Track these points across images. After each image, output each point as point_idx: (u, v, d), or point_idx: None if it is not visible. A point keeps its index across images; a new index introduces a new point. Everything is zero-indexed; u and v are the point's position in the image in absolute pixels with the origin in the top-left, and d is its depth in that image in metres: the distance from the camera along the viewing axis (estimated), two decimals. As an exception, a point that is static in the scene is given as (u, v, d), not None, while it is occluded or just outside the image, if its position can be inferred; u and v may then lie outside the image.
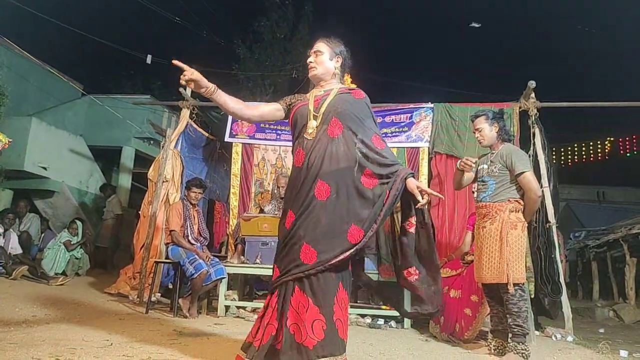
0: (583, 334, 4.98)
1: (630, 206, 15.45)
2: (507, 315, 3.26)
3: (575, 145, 16.01)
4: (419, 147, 5.90)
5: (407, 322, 4.66)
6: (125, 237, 8.94)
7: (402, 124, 5.99)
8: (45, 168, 8.79)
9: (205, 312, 5.00)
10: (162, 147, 6.06)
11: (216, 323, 4.31)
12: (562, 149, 16.02)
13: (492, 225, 3.32)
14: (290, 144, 2.62)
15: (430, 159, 5.86)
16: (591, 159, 15.90)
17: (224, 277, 4.83)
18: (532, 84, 5.33)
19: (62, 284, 5.93)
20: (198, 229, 5.09)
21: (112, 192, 9.15)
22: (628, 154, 15.54)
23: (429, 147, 5.86)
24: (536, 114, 5.43)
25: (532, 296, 4.64)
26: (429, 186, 5.78)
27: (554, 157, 12.95)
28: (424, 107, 5.95)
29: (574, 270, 11.84)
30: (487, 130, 3.54)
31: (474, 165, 3.52)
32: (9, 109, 8.71)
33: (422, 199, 2.29)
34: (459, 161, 3.58)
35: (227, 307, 4.94)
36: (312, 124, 2.42)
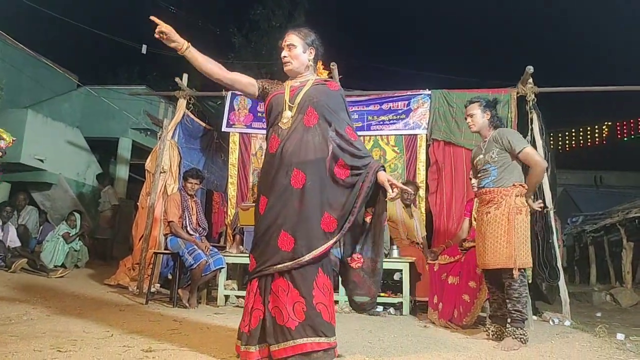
0: (580, 318, 5.02)
1: (627, 190, 15.45)
2: (507, 301, 3.27)
3: (573, 130, 15.95)
4: (416, 134, 5.89)
5: (405, 308, 4.68)
6: (123, 229, 8.95)
7: (400, 111, 5.97)
8: (42, 160, 8.76)
9: (205, 302, 5.02)
10: (159, 137, 6.03)
11: (216, 313, 4.33)
12: (559, 134, 15.96)
13: (498, 211, 3.30)
14: None
15: (428, 146, 5.86)
16: (588, 143, 15.86)
17: (223, 267, 4.84)
18: (529, 69, 5.30)
19: (61, 276, 5.94)
20: (196, 219, 5.09)
21: (109, 182, 9.12)
22: (625, 139, 15.50)
23: (426, 134, 5.85)
24: (534, 99, 5.42)
25: (530, 281, 4.66)
26: (427, 173, 5.80)
27: (551, 142, 12.96)
28: (421, 94, 5.93)
29: (571, 255, 11.90)
30: (479, 116, 3.56)
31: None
32: (5, 101, 8.68)
33: (393, 192, 2.37)
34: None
35: (226, 297, 4.96)
36: (287, 114, 2.44)
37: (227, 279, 5.03)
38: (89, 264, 7.49)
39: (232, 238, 5.77)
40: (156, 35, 2.27)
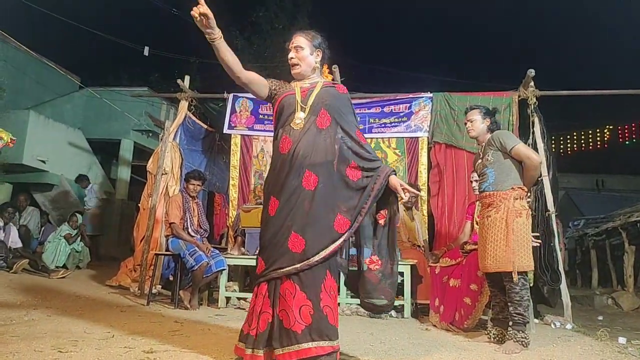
0: (582, 322, 5.00)
1: (629, 194, 15.45)
2: (509, 304, 3.27)
3: (575, 133, 15.96)
4: (418, 137, 5.90)
5: (406, 311, 4.68)
6: (113, 224, 9.08)
7: (401, 113, 5.98)
8: (44, 161, 8.78)
9: (206, 303, 5.01)
10: (161, 139, 6.05)
11: (217, 314, 4.33)
12: (561, 138, 15.97)
13: (497, 214, 3.30)
14: None
15: (429, 149, 5.86)
16: (590, 147, 15.86)
17: (225, 269, 4.84)
18: (531, 72, 5.32)
19: (63, 277, 5.95)
20: (198, 221, 5.09)
21: (88, 182, 8.91)
22: (627, 142, 15.50)
23: (428, 137, 5.86)
24: (535, 102, 5.42)
25: (531, 284, 4.65)
26: (428, 176, 5.80)
27: (553, 145, 12.93)
28: (423, 97, 5.94)
29: (573, 259, 11.87)
30: (479, 122, 3.62)
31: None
32: (7, 102, 8.69)
33: (405, 195, 2.40)
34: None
35: (227, 299, 4.96)
36: (300, 115, 2.43)
37: (228, 281, 5.03)
38: (90, 265, 7.50)
39: (233, 240, 5.77)
40: (195, 15, 2.18)
